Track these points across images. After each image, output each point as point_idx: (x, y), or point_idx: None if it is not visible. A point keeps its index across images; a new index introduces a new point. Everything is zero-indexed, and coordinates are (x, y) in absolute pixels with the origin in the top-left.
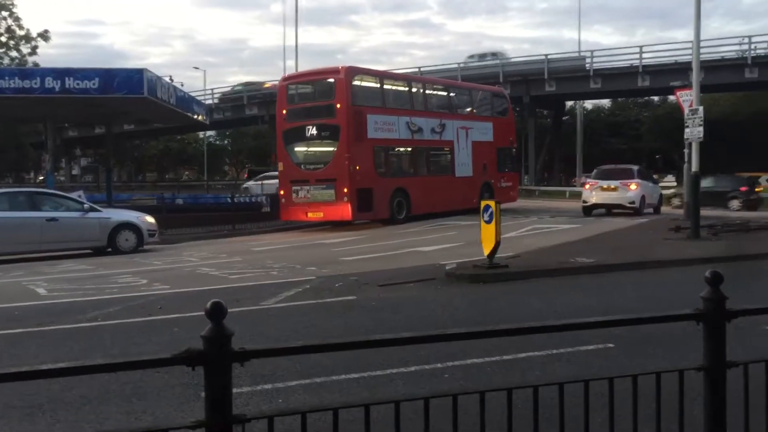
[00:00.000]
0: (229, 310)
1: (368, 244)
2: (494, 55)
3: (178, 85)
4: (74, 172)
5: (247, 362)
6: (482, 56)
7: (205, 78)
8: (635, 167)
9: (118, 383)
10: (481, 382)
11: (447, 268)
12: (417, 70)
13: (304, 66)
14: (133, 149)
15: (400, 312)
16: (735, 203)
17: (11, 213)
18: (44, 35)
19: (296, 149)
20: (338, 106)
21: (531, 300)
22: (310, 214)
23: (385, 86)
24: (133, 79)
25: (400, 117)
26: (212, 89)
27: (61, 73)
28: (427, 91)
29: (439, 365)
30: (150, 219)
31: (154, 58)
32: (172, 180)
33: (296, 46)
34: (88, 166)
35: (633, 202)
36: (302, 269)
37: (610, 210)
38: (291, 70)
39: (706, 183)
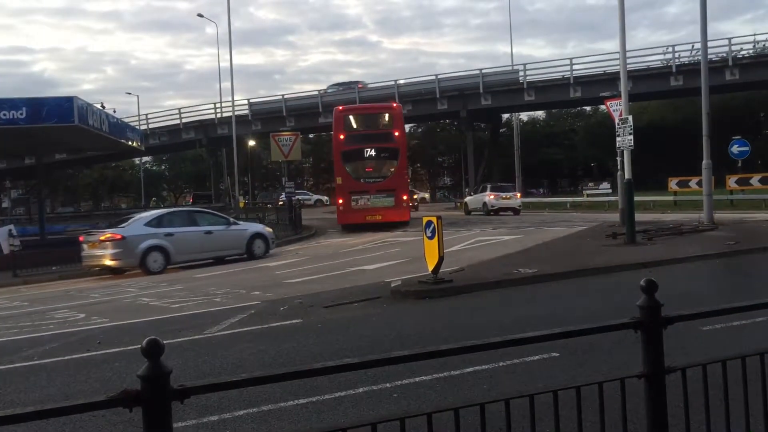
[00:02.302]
0: (171, 341)
1: (311, 265)
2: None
3: (111, 112)
4: (4, 204)
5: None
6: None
7: (139, 103)
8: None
9: (57, 423)
10: (429, 400)
11: (392, 285)
12: None
13: (242, 87)
14: (66, 179)
15: (346, 333)
16: None
17: (182, 228)
18: None
19: (355, 167)
20: (396, 134)
21: (477, 313)
22: (368, 218)
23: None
24: (63, 108)
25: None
26: (147, 114)
27: None
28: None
29: (387, 385)
30: (270, 230)
31: (86, 85)
32: (109, 209)
33: (231, 68)
34: (19, 198)
35: (520, 206)
36: (246, 294)
37: (497, 212)
38: (227, 92)
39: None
